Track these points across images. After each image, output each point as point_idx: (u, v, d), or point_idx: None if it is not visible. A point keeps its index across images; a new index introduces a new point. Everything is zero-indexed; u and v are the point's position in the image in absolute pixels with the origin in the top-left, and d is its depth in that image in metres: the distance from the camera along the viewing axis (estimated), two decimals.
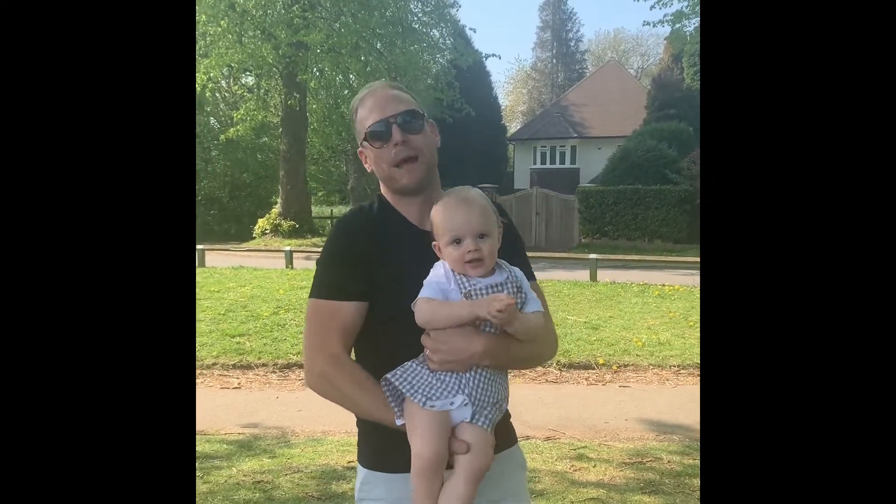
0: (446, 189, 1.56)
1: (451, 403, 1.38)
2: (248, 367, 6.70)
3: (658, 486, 3.88)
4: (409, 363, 1.44)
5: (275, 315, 8.67)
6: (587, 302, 10.15)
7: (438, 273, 1.45)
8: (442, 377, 1.40)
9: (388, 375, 1.43)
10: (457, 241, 1.43)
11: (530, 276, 1.59)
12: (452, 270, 1.44)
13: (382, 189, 1.63)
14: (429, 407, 1.37)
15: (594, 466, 4.22)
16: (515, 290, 1.45)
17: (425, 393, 1.38)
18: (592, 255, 13.32)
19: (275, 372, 6.60)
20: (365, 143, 1.59)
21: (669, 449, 4.56)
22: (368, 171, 1.64)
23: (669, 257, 15.60)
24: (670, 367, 6.67)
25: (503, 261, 1.50)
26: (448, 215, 1.45)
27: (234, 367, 6.68)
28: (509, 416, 1.66)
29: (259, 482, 3.95)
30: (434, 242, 1.48)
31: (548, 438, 4.86)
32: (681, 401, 5.75)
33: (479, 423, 1.39)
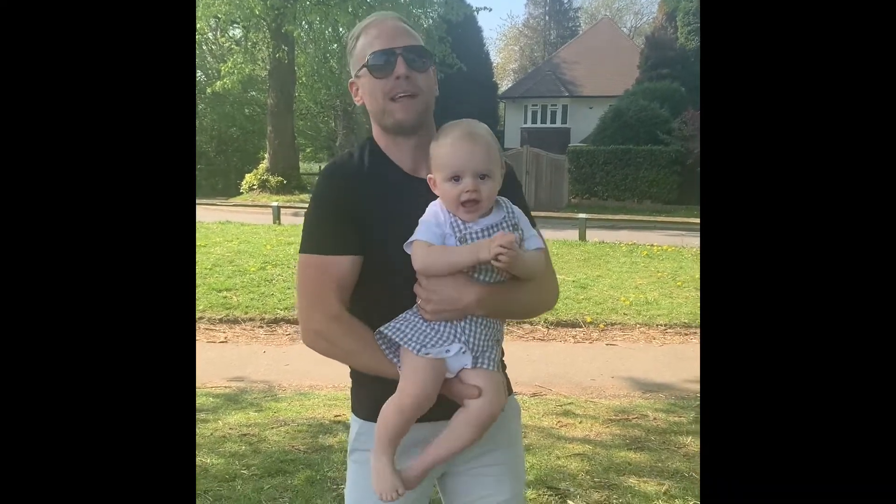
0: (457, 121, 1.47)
1: (447, 351, 1.35)
2: (236, 321, 6.67)
3: (643, 443, 3.91)
4: (404, 314, 1.40)
5: (262, 270, 8.62)
6: (576, 261, 10.15)
7: (434, 212, 1.38)
8: (436, 326, 1.36)
9: (382, 328, 1.39)
10: (455, 177, 1.35)
11: (534, 224, 1.53)
12: (448, 211, 1.37)
13: (374, 132, 1.53)
14: (423, 354, 1.33)
15: (580, 423, 4.24)
16: (512, 228, 1.39)
17: (419, 340, 1.34)
18: (581, 215, 13.29)
19: (262, 327, 6.58)
20: (362, 73, 1.47)
21: (655, 406, 4.59)
22: (358, 104, 1.54)
23: (658, 217, 15.62)
24: (657, 325, 6.70)
25: (504, 198, 1.43)
26: (450, 148, 1.36)
27: (221, 321, 6.65)
28: (505, 366, 1.63)
29: (245, 435, 3.94)
30: (429, 175, 1.40)
31: (534, 394, 4.88)
32: (667, 359, 5.78)
33: (485, 366, 1.37)
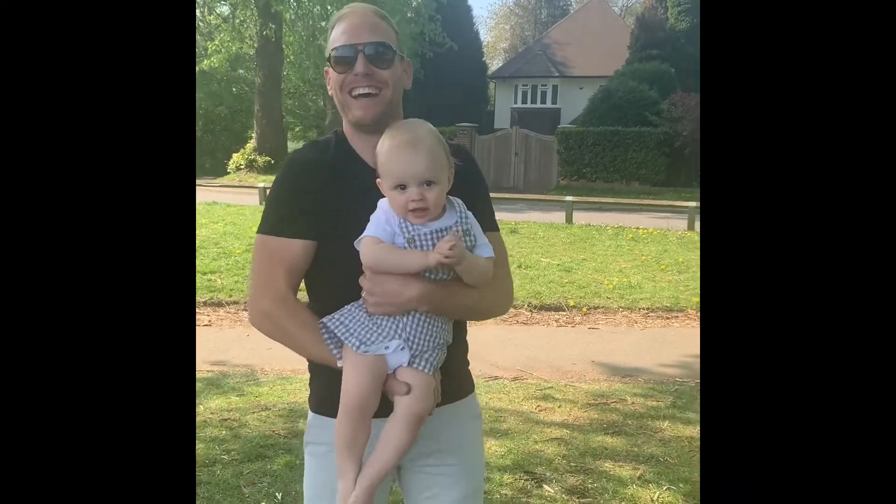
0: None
1: (386, 348, 1.35)
2: (219, 304, 6.68)
3: (621, 428, 3.96)
4: (348, 306, 1.40)
5: (247, 252, 8.60)
6: (561, 244, 10.20)
7: (384, 210, 1.39)
8: (378, 321, 1.36)
9: (325, 319, 1.39)
10: (401, 186, 1.36)
11: (491, 226, 1.54)
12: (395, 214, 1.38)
13: (343, 123, 1.56)
14: (362, 351, 1.34)
15: (559, 407, 4.29)
16: (462, 232, 1.39)
17: (359, 337, 1.35)
18: (568, 198, 13.32)
19: (246, 310, 6.59)
20: (328, 65, 1.51)
21: (634, 391, 4.64)
22: (330, 93, 1.56)
23: (645, 200, 15.67)
24: (639, 309, 6.76)
25: (457, 199, 1.44)
26: (392, 156, 1.37)
27: (205, 304, 6.65)
28: (467, 363, 1.64)
29: (226, 420, 3.97)
30: (378, 180, 1.41)
31: (515, 378, 4.93)
32: (648, 343, 5.84)
33: (419, 367, 1.36)
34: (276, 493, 3.11)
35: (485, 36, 45.24)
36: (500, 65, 37.48)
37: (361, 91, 1.46)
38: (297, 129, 33.87)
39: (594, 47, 31.07)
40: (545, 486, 3.23)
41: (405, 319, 1.36)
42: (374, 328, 1.36)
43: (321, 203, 1.45)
